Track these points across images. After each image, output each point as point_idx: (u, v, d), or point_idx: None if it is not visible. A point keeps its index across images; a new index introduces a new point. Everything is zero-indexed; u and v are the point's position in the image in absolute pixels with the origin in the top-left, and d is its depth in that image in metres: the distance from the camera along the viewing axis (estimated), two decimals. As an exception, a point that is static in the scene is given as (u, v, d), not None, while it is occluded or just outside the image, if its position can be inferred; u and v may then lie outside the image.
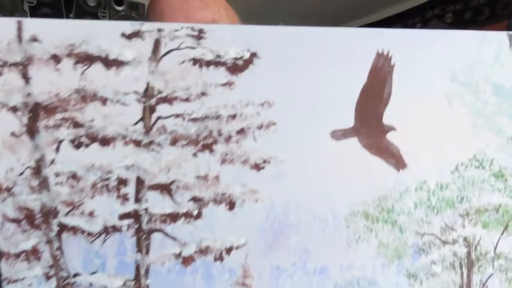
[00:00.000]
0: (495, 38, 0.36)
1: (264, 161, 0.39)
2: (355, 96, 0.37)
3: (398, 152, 0.38)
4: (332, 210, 0.40)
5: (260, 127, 0.38)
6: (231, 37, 0.36)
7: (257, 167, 0.39)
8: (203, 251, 0.41)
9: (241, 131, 0.38)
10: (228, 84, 0.37)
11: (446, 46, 0.36)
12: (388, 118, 0.38)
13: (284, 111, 0.37)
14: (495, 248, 0.41)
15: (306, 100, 0.37)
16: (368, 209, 0.40)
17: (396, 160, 0.39)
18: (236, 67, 0.36)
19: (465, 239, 0.41)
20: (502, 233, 0.40)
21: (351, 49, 0.36)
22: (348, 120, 0.38)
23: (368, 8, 3.58)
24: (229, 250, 0.41)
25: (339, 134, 0.38)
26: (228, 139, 0.38)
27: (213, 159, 0.39)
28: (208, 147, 0.38)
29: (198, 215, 0.40)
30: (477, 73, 0.36)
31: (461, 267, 0.41)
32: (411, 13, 3.64)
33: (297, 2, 3.31)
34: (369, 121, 0.38)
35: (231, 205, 0.40)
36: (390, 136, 0.38)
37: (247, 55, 0.36)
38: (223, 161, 0.39)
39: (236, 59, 0.36)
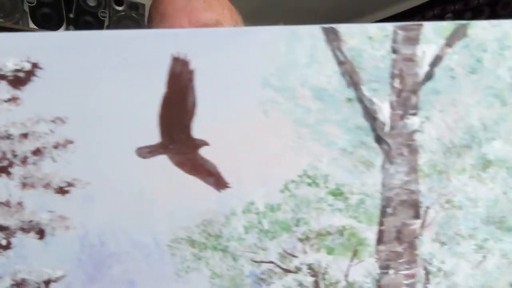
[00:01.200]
0: (307, 34, 0.30)
1: (69, 184, 0.34)
2: (158, 107, 0.32)
3: (215, 170, 0.33)
4: (153, 236, 0.35)
5: (56, 146, 0.33)
6: (6, 47, 0.31)
7: (61, 191, 0.35)
8: (20, 284, 0.37)
9: (37, 152, 0.34)
10: (13, 99, 0.32)
11: (252, 46, 0.31)
12: (198, 131, 0.33)
13: (80, 127, 0.33)
14: (346, 276, 0.35)
15: (102, 114, 0.33)
16: (192, 235, 0.35)
17: (215, 179, 0.33)
18: (18, 80, 0.32)
19: (309, 266, 0.35)
20: (352, 260, 0.35)
21: (145, 53, 0.31)
22: (155, 135, 0.33)
23: (368, 8, 3.50)
24: (47, 283, 0.37)
25: (146, 152, 0.33)
26: (24, 160, 0.34)
27: (12, 184, 0.35)
28: (4, 170, 0.34)
29: (8, 245, 0.36)
30: (292, 75, 0.31)
31: (310, 303, 0.36)
32: (411, 13, 3.56)
33: (298, 2, 3.26)
34: (177, 136, 0.33)
35: (41, 234, 0.36)
36: (204, 152, 0.33)
37: (27, 66, 0.32)
38: (24, 185, 0.35)
39: (16, 71, 0.32)
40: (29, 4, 2.56)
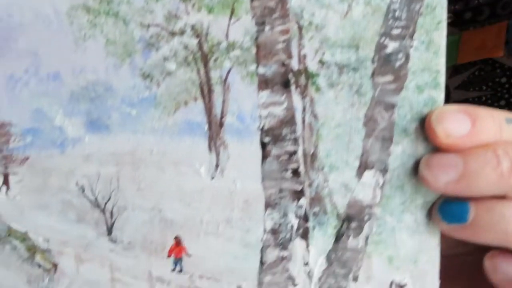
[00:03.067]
0: None
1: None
2: None
3: None
4: (53, 5, 0.39)
5: None
6: None
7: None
8: None
9: None
10: None
11: None
12: None
13: None
14: (227, 36, 0.38)
15: None
16: (87, 2, 0.39)
17: None
18: None
19: (192, 28, 0.38)
20: (230, 18, 0.38)
21: None
22: None
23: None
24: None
25: None
26: None
27: None
28: None
29: None
30: None
31: (196, 63, 0.39)
32: (411, 14, 3.63)
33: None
34: None
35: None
36: None
37: None
38: None
39: None
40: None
